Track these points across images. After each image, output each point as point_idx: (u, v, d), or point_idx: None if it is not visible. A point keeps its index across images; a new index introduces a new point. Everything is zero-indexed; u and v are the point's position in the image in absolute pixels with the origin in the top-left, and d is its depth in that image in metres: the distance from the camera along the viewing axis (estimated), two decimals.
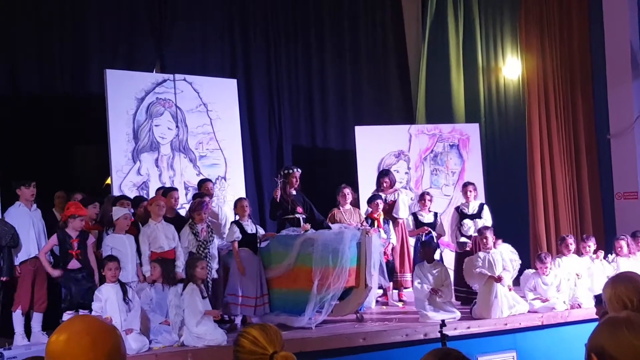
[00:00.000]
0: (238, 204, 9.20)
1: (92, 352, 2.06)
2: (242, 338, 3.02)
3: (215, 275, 8.77)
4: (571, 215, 12.37)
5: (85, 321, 2.19)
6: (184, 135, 11.08)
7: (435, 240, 10.19)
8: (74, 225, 8.13)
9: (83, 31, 11.42)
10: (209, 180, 10.28)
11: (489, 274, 8.85)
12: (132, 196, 9.81)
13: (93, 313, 7.45)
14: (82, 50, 11.36)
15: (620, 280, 3.83)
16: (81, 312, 7.77)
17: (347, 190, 10.40)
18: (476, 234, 9.80)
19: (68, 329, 2.14)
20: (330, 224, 9.79)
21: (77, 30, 11.38)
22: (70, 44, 11.34)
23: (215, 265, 8.77)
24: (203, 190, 9.83)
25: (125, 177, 10.46)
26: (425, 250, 9.31)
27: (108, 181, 10.63)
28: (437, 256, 9.92)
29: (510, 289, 9.22)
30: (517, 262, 9.21)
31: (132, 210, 8.87)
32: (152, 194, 10.08)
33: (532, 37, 12.65)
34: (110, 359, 2.09)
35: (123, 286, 7.72)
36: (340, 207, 10.31)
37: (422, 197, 10.68)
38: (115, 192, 10.08)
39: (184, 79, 11.16)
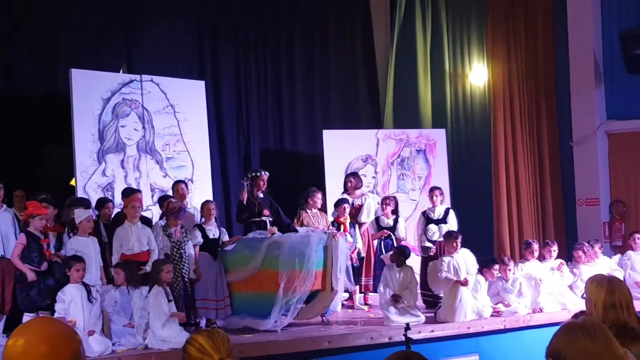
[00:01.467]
0: (205, 206, 9.18)
1: (48, 358, 1.96)
2: (189, 345, 2.99)
3: (193, 276, 8.75)
4: (534, 221, 12.55)
5: (44, 326, 2.08)
6: (150, 136, 11.01)
7: (395, 244, 10.22)
8: (35, 225, 8.05)
9: (51, 30, 11.30)
10: (182, 181, 10.18)
11: (455, 278, 8.93)
12: (96, 197, 9.75)
13: (56, 314, 7.38)
14: (49, 50, 11.25)
15: (594, 280, 3.91)
16: (41, 314, 7.69)
17: (319, 195, 10.46)
18: (441, 239, 9.88)
19: (26, 333, 2.04)
20: (297, 227, 9.81)
21: (45, 30, 11.26)
22: (38, 43, 11.22)
23: (192, 265, 8.73)
24: (175, 192, 9.74)
25: (90, 178, 10.37)
26: (397, 256, 9.30)
27: (72, 182, 10.53)
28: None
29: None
30: (475, 267, 9.29)
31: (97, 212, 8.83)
32: (117, 195, 10.01)
33: (498, 45, 12.82)
34: None
35: (86, 287, 7.66)
36: (308, 210, 10.34)
37: (383, 202, 10.73)
38: (80, 194, 9.99)
39: (151, 80, 11.08)
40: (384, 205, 10.62)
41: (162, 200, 9.55)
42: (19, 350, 1.98)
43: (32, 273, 7.94)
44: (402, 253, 9.35)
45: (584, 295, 3.95)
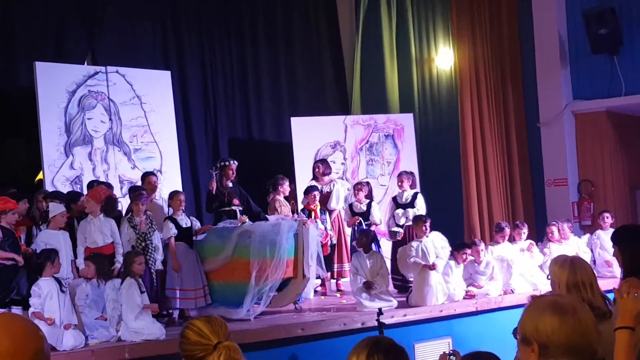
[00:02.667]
0: (175, 196, 9.08)
1: (11, 358, 1.89)
2: (187, 330, 3.11)
3: (160, 267, 8.69)
4: (503, 203, 12.63)
5: (5, 323, 1.99)
6: (117, 128, 10.93)
7: (369, 230, 10.25)
8: (7, 220, 7.96)
9: (9, 23, 11.12)
10: (153, 173, 10.07)
11: (423, 262, 8.98)
12: (65, 191, 9.65)
13: (32, 309, 7.33)
14: (8, 43, 11.07)
15: (557, 262, 3.95)
16: (14, 309, 7.60)
17: (287, 183, 10.50)
18: (409, 224, 9.91)
19: None
20: (267, 215, 9.80)
21: (3, 22, 11.08)
22: None
23: (159, 256, 8.66)
24: (146, 184, 9.67)
25: (58, 172, 10.29)
26: (363, 240, 9.38)
27: (40, 176, 10.43)
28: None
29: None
30: (447, 250, 9.35)
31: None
32: (85, 188, 9.92)
33: (463, 27, 12.85)
34: None
35: (57, 280, 7.60)
36: (277, 196, 10.36)
37: (355, 187, 10.72)
38: (48, 187, 9.89)
39: (117, 71, 10.99)
40: (356, 191, 10.59)
41: (132, 191, 9.47)
42: None
43: (20, 257, 7.81)
44: (364, 235, 9.39)
45: (549, 277, 4.00)
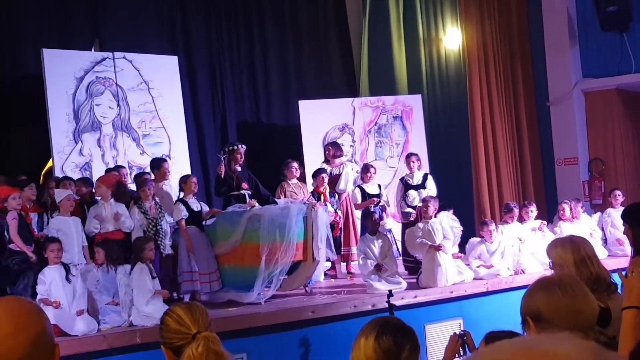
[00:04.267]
0: (188, 180, 9.10)
1: (12, 339, 1.90)
2: (167, 317, 3.01)
3: (170, 251, 8.71)
4: (513, 183, 12.58)
5: (8, 305, 2.00)
6: (125, 114, 10.94)
7: (382, 211, 10.25)
8: (12, 206, 7.98)
9: (16, 10, 11.11)
10: (165, 160, 10.02)
11: (429, 243, 8.97)
12: (75, 177, 9.67)
13: (38, 297, 7.35)
14: (15, 30, 11.07)
15: (556, 245, 3.92)
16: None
17: (295, 165, 10.43)
18: (420, 204, 9.90)
19: None
20: (276, 199, 9.80)
21: (10, 9, 11.07)
22: (4, 24, 11.04)
23: (167, 241, 8.69)
24: (160, 171, 9.52)
25: (67, 158, 10.32)
26: (368, 223, 9.37)
27: (49, 163, 10.45)
28: (389, 226, 10.06)
29: (459, 257, 9.37)
30: (459, 229, 9.33)
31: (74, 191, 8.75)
32: (95, 174, 9.94)
33: (471, 7, 12.75)
34: (33, 343, 1.92)
35: (66, 267, 7.63)
36: (288, 181, 10.33)
37: (366, 170, 10.70)
38: (58, 174, 9.92)
39: (124, 57, 10.99)
40: (367, 174, 10.56)
41: (137, 178, 9.46)
42: None
43: (34, 255, 7.87)
44: (371, 218, 9.38)
45: (550, 264, 3.93)
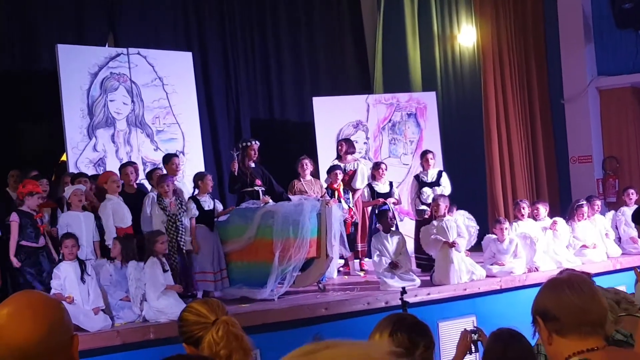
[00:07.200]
0: (205, 178, 9.04)
1: (33, 323, 2.01)
2: (186, 313, 3.11)
3: (190, 247, 8.68)
4: (527, 180, 12.55)
5: (28, 295, 2.15)
6: (139, 110, 10.95)
7: (391, 210, 10.20)
8: (30, 203, 8.02)
9: (30, 5, 11.13)
10: (176, 155, 9.97)
11: (443, 239, 8.96)
12: (89, 173, 9.69)
13: (53, 291, 7.38)
14: (30, 26, 11.09)
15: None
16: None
17: (307, 161, 10.40)
18: None
19: (11, 303, 2.09)
20: (290, 196, 9.79)
21: (24, 5, 11.10)
22: (19, 20, 11.06)
23: (188, 237, 8.67)
24: (169, 166, 9.47)
25: (81, 154, 10.33)
26: (382, 221, 9.37)
27: (64, 158, 10.49)
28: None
29: (467, 254, 9.35)
30: (475, 228, 9.32)
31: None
32: (109, 170, 9.95)
33: (486, 4, 12.71)
34: (52, 330, 2.03)
35: (82, 263, 7.66)
36: (301, 179, 10.32)
37: (377, 167, 10.66)
38: (72, 169, 9.95)
39: (138, 53, 10.99)
40: (378, 171, 10.55)
41: (151, 176, 9.46)
42: (4, 319, 2.03)
43: (18, 262, 7.87)
44: (384, 216, 9.38)
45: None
